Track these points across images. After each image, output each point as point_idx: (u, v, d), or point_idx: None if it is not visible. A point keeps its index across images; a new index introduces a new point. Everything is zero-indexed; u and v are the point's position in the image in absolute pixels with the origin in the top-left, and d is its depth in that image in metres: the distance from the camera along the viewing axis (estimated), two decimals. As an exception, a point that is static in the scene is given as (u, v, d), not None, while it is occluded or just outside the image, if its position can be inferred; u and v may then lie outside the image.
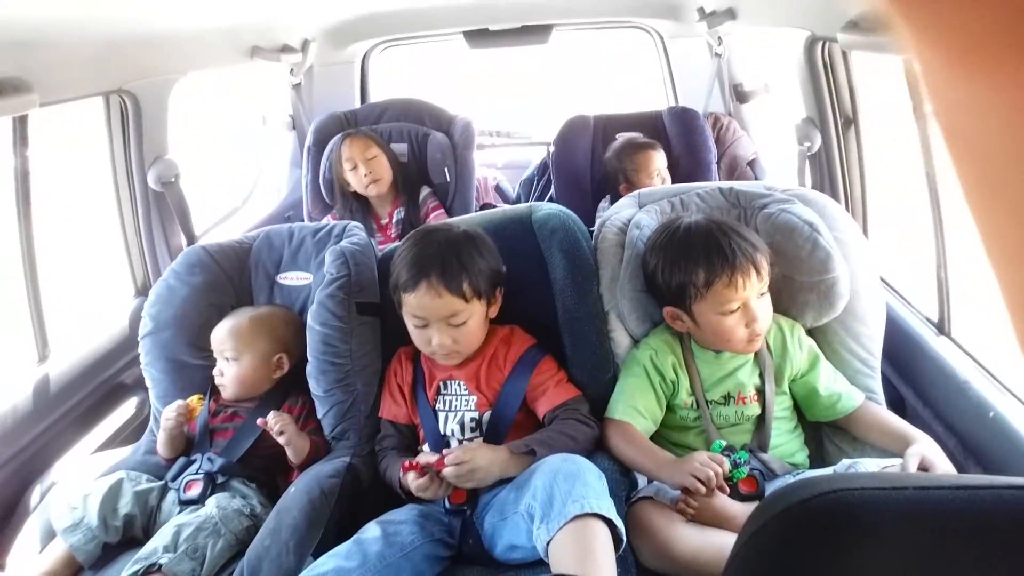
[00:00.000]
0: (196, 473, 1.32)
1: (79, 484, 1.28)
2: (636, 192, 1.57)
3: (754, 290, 1.23)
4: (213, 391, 1.45)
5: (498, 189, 2.75)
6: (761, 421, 1.30)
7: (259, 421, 1.31)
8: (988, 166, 0.17)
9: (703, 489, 1.10)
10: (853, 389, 1.33)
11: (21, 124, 1.56)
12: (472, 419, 1.31)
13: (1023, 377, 1.28)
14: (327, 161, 2.37)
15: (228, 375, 1.40)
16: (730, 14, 2.22)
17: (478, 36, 2.84)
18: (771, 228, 1.37)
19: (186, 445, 1.41)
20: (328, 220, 2.25)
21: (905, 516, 0.50)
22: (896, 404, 1.48)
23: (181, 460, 1.37)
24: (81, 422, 1.59)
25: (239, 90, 3.05)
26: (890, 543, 0.49)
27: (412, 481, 1.18)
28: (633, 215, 1.47)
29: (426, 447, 1.32)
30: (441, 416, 1.33)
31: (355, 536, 1.13)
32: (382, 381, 1.41)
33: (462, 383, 1.33)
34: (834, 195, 1.90)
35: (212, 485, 1.30)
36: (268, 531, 1.15)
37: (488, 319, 1.33)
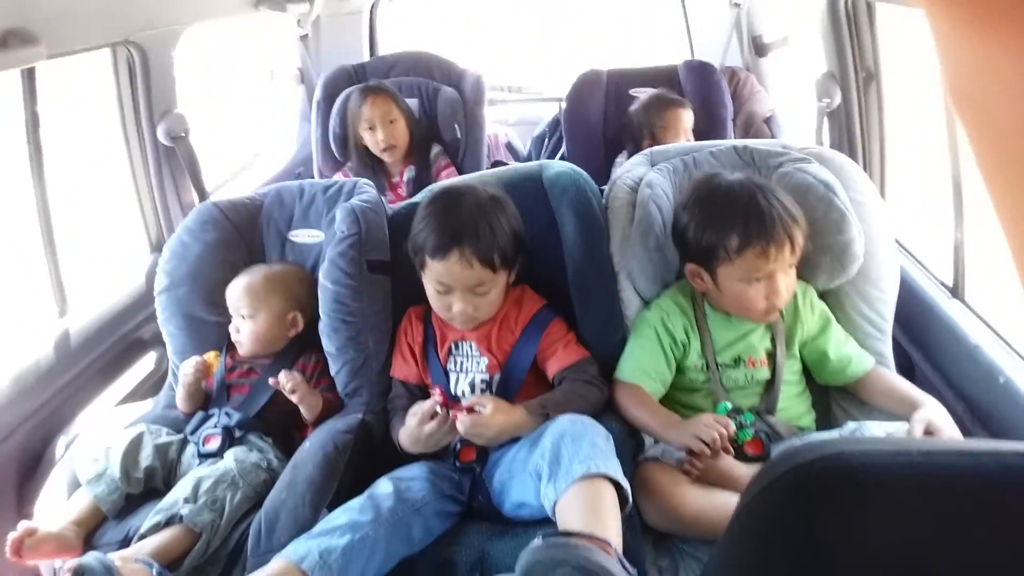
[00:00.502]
0: (214, 427, 1.35)
1: (101, 437, 1.32)
2: (648, 150, 1.55)
3: (784, 263, 1.21)
4: (229, 347, 1.47)
5: (509, 147, 2.71)
6: (770, 384, 1.31)
7: (271, 381, 1.33)
8: (997, 130, 0.17)
9: (708, 451, 1.11)
10: (864, 353, 1.33)
11: (29, 77, 1.55)
12: (483, 380, 1.32)
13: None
14: (337, 116, 2.33)
15: (244, 332, 1.42)
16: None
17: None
18: (786, 188, 1.34)
19: (204, 400, 1.44)
20: (339, 177, 2.26)
21: (908, 480, 0.50)
22: (906, 368, 1.48)
23: (200, 414, 1.40)
24: (102, 376, 1.62)
25: (246, 43, 3.00)
26: (893, 507, 0.49)
27: (417, 427, 1.18)
28: (645, 174, 1.45)
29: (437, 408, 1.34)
30: (452, 376, 1.34)
31: (368, 491, 1.16)
32: (393, 340, 1.42)
33: (474, 344, 1.34)
34: (852, 154, 1.87)
35: (230, 439, 1.33)
36: (284, 484, 1.19)
37: (507, 285, 1.33)
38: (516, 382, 1.30)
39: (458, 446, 1.23)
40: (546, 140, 2.66)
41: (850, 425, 1.25)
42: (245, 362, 1.45)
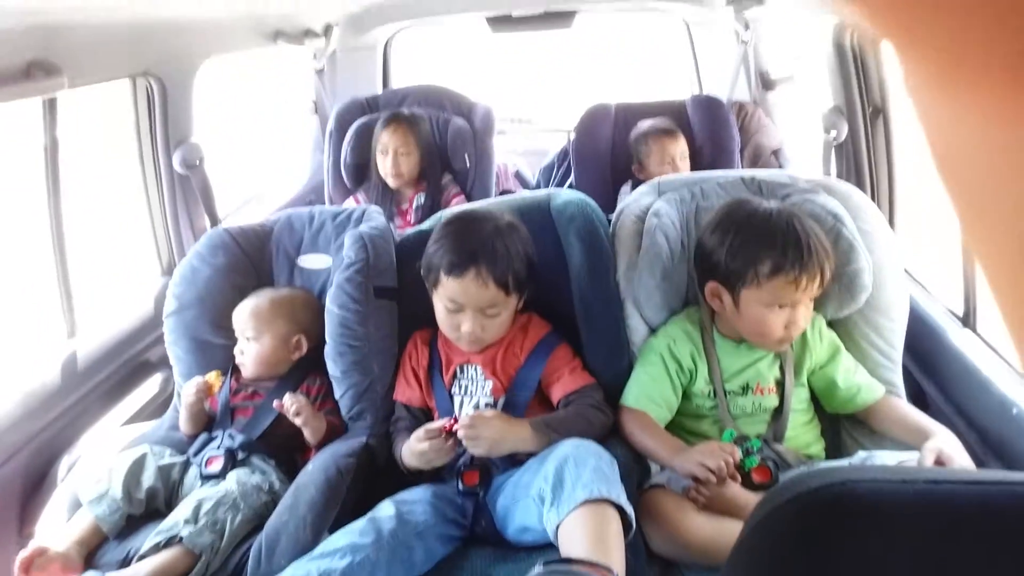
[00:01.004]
0: (217, 449, 1.35)
1: (105, 457, 1.31)
2: (656, 180, 1.56)
3: (810, 295, 1.21)
4: (235, 370, 1.47)
5: (518, 176, 2.74)
6: (778, 412, 1.29)
7: (275, 404, 1.33)
8: (977, 189, 0.17)
9: (713, 478, 1.10)
10: (873, 382, 1.31)
11: (50, 106, 1.60)
12: (487, 404, 1.32)
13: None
14: (350, 145, 2.39)
15: (248, 355, 1.43)
16: (757, -1, 2.18)
17: (500, 21, 2.83)
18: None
19: (208, 422, 1.44)
20: (350, 203, 2.29)
21: (914, 509, 0.50)
22: (917, 398, 1.46)
23: (203, 436, 1.40)
24: (107, 398, 1.63)
25: (263, 75, 3.08)
26: (898, 536, 0.48)
27: (417, 443, 1.18)
28: (652, 203, 1.46)
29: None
30: (456, 400, 1.34)
31: (370, 514, 1.15)
32: (398, 364, 1.42)
33: (479, 368, 1.34)
34: (860, 185, 1.87)
35: (233, 461, 1.32)
36: (286, 507, 1.18)
37: (516, 312, 1.33)
38: (521, 406, 1.30)
39: (461, 469, 1.22)
40: (555, 170, 2.69)
41: (860, 454, 1.23)
42: (249, 384, 1.46)
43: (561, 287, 1.40)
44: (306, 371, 1.46)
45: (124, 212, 2.30)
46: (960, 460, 1.14)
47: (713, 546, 1.06)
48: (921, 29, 0.15)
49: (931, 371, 1.53)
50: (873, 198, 1.87)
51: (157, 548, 1.12)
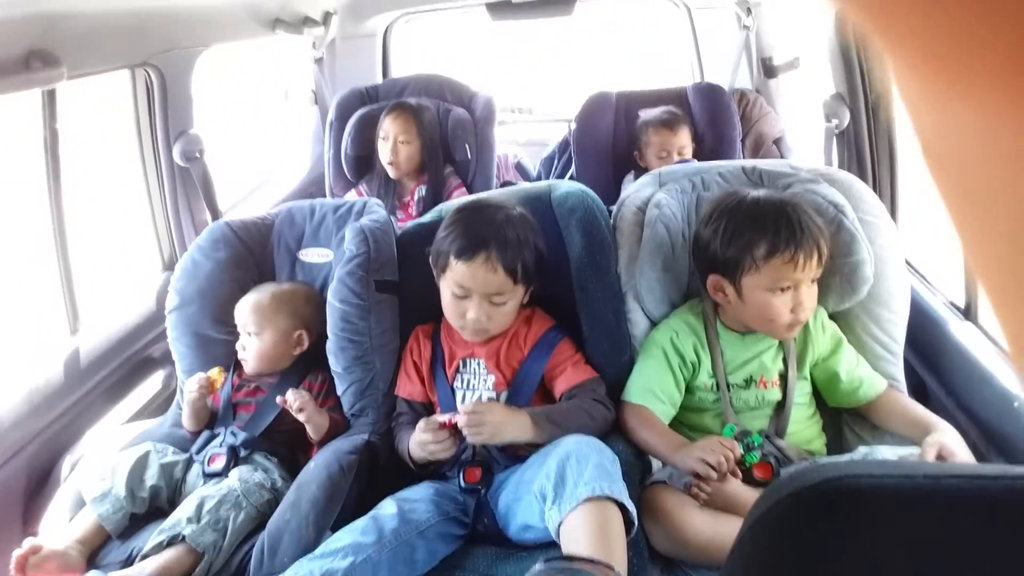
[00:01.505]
0: (220, 447, 1.35)
1: (107, 456, 1.32)
2: (656, 171, 1.55)
3: (810, 274, 1.20)
4: (237, 366, 1.48)
5: (519, 167, 2.73)
6: (780, 406, 1.29)
7: (278, 399, 1.33)
8: (972, 194, 0.16)
9: (714, 474, 1.10)
10: (875, 375, 1.31)
11: (50, 97, 1.59)
12: (490, 398, 1.32)
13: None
14: (351, 136, 2.37)
15: (250, 350, 1.43)
16: (760, -15, 2.15)
17: (500, 8, 2.79)
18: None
19: (211, 418, 1.45)
20: (352, 195, 2.29)
21: (914, 504, 0.50)
22: (918, 391, 1.46)
23: (205, 433, 1.40)
24: (110, 395, 1.63)
25: (262, 64, 3.05)
26: (898, 530, 0.48)
27: (420, 431, 1.19)
28: (653, 194, 1.45)
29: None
30: (459, 394, 1.34)
31: (372, 512, 1.15)
32: (400, 359, 1.42)
33: (482, 361, 1.34)
34: (861, 175, 1.86)
35: (235, 458, 1.33)
36: (288, 505, 1.18)
37: (521, 305, 1.33)
38: (523, 401, 1.30)
39: (463, 465, 1.22)
40: (556, 160, 2.67)
41: (862, 450, 1.23)
42: (252, 380, 1.46)
43: (562, 280, 1.39)
44: (308, 367, 1.46)
45: (125, 206, 2.30)
46: (961, 455, 1.14)
47: (715, 543, 1.06)
48: (913, 33, 0.14)
49: (932, 364, 1.53)
50: (875, 188, 1.85)
51: (160, 547, 1.13)
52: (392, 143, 2.23)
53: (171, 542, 1.13)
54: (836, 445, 1.34)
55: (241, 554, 1.17)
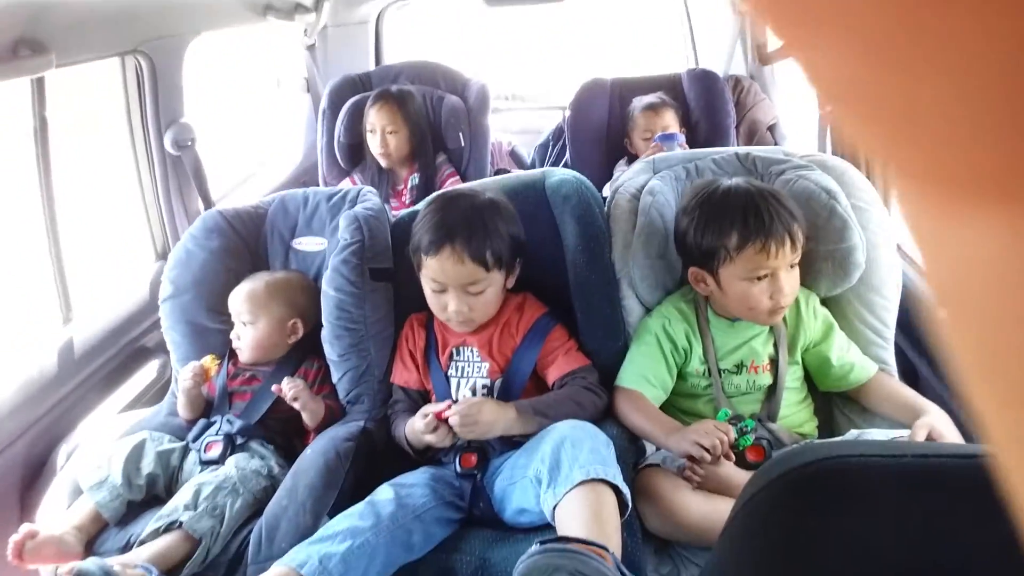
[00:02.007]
0: (216, 434, 1.35)
1: (104, 444, 1.32)
2: (651, 158, 1.55)
3: (785, 260, 1.21)
4: (232, 354, 1.48)
5: (513, 154, 2.72)
6: (772, 391, 1.30)
7: (274, 388, 1.33)
8: (989, 337, 0.14)
9: (708, 457, 1.11)
10: (866, 360, 1.32)
11: (39, 86, 1.57)
12: (484, 385, 1.33)
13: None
14: (343, 124, 2.36)
15: (244, 339, 1.43)
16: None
17: (494, -6, 2.77)
18: (788, 195, 1.34)
19: (206, 407, 1.45)
20: (346, 184, 2.28)
21: (903, 483, 0.50)
22: (910, 376, 1.47)
23: (202, 422, 1.40)
24: (105, 384, 1.63)
25: (254, 53, 3.03)
26: (888, 509, 0.49)
27: (419, 420, 1.20)
28: (647, 181, 1.45)
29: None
30: (453, 382, 1.34)
31: (368, 497, 1.16)
32: (395, 347, 1.43)
33: (475, 349, 1.34)
34: (854, 161, 1.86)
35: (231, 446, 1.33)
36: (285, 491, 1.19)
37: (505, 289, 1.33)
38: (518, 387, 1.30)
39: (459, 452, 1.23)
40: (550, 148, 2.67)
41: (853, 433, 1.25)
42: (247, 369, 1.46)
43: (556, 267, 1.40)
44: (303, 355, 1.46)
45: (117, 195, 2.28)
46: (951, 436, 1.15)
47: (708, 524, 1.07)
48: (905, 146, 0.13)
49: (923, 348, 1.54)
50: (868, 175, 1.86)
51: (157, 533, 1.14)
52: (380, 135, 2.22)
53: (168, 528, 1.14)
54: (828, 429, 1.35)
55: (238, 540, 1.18)
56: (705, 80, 2.42)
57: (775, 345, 1.31)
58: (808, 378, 1.36)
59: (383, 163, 2.27)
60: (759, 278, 1.21)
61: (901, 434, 1.17)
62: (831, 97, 0.13)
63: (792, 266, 1.24)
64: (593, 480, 1.02)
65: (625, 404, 1.29)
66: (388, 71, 2.57)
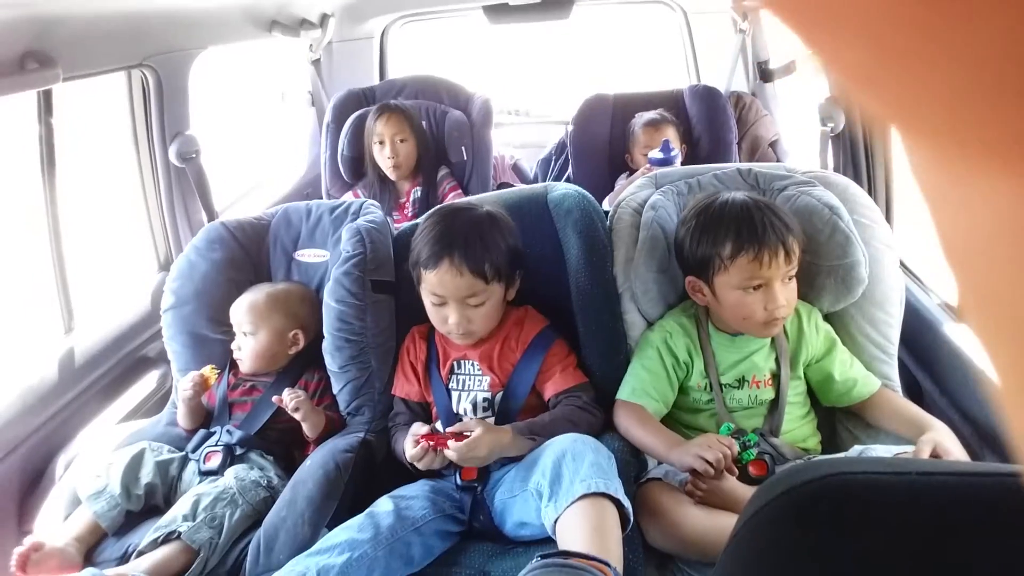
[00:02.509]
0: (215, 445, 1.35)
1: (103, 454, 1.32)
2: (653, 173, 1.56)
3: (779, 272, 1.21)
4: (232, 365, 1.48)
5: (515, 168, 2.73)
6: (774, 405, 1.30)
7: (274, 398, 1.33)
8: (993, 288, 0.14)
9: (711, 471, 1.10)
10: (869, 375, 1.32)
11: (46, 98, 1.59)
12: (485, 399, 1.32)
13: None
14: (347, 137, 2.38)
15: (245, 349, 1.43)
16: (755, -11, 2.17)
17: (498, 11, 2.80)
18: (790, 211, 1.35)
19: (206, 417, 1.45)
20: (349, 196, 2.29)
21: (907, 501, 0.50)
22: (913, 391, 1.46)
23: (201, 432, 1.40)
24: (105, 394, 1.63)
25: (259, 66, 3.06)
26: (891, 527, 0.49)
27: (410, 448, 1.19)
28: (649, 196, 1.45)
29: (439, 425, 1.34)
30: (454, 395, 1.34)
31: (368, 509, 1.15)
32: (396, 359, 1.43)
33: (476, 363, 1.34)
34: (856, 177, 1.87)
35: (231, 457, 1.33)
36: (284, 502, 1.18)
37: (505, 301, 1.33)
38: (518, 401, 1.30)
39: (459, 465, 1.22)
40: (552, 162, 2.68)
41: (856, 448, 1.24)
42: (247, 380, 1.46)
43: (558, 281, 1.40)
44: (304, 366, 1.46)
45: (121, 206, 2.29)
46: (956, 453, 1.14)
47: (710, 540, 1.06)
48: (919, 109, 0.13)
49: (927, 365, 1.54)
50: (869, 191, 1.86)
51: (155, 544, 1.13)
52: (391, 144, 2.23)
53: (167, 539, 1.13)
54: (831, 444, 1.34)
55: (237, 551, 1.17)
56: (707, 96, 2.44)
57: (776, 360, 1.31)
58: (811, 393, 1.35)
59: (392, 175, 2.28)
60: (754, 288, 1.22)
61: (905, 450, 1.17)
62: (851, 80, 0.14)
63: (789, 279, 1.24)
64: (595, 494, 1.01)
65: (627, 418, 1.28)
66: (392, 85, 2.59)
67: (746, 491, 1.13)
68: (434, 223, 1.30)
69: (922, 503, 0.50)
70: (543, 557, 0.93)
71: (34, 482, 1.39)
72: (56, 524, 1.23)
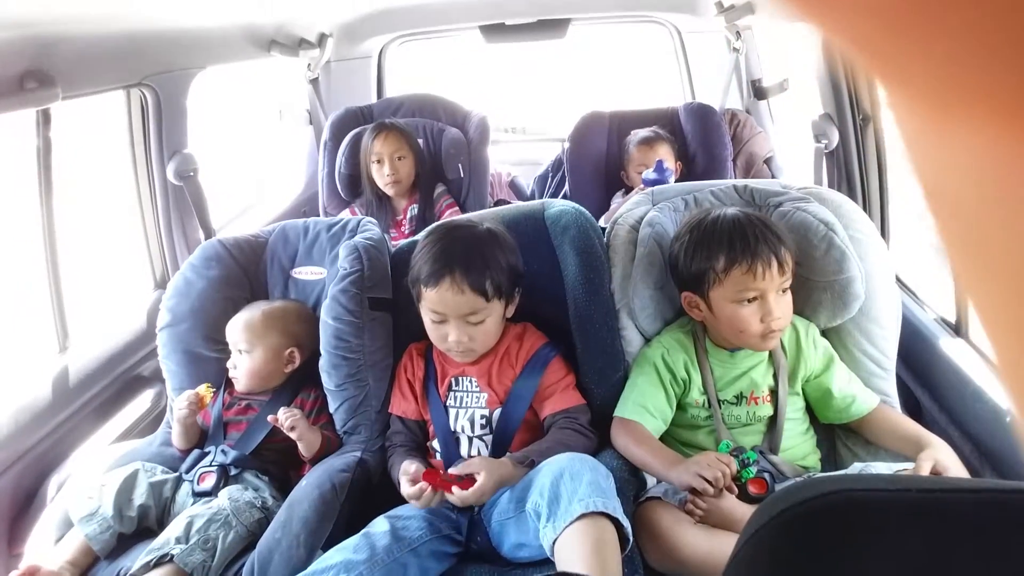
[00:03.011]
0: (210, 465, 1.34)
1: (96, 475, 1.30)
2: (650, 189, 1.57)
3: (773, 283, 1.22)
4: (228, 384, 1.47)
5: (512, 185, 2.74)
6: (773, 422, 1.29)
7: (270, 418, 1.32)
8: (972, 233, 0.16)
9: (711, 489, 1.09)
10: (867, 391, 1.31)
11: (44, 117, 1.59)
12: (483, 416, 1.31)
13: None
14: (344, 155, 2.39)
15: (241, 368, 1.42)
16: (748, 8, 2.19)
17: (495, 30, 2.83)
18: (786, 227, 1.35)
19: (201, 437, 1.43)
20: (346, 214, 2.29)
21: (909, 518, 0.50)
22: (911, 407, 1.46)
23: (195, 452, 1.39)
24: (99, 413, 1.62)
25: (257, 84, 3.07)
26: (893, 545, 0.48)
27: (406, 487, 1.16)
28: (646, 212, 1.46)
29: (436, 443, 1.33)
30: (452, 412, 1.33)
31: (364, 530, 1.14)
32: (394, 377, 1.42)
33: (474, 380, 1.33)
34: (851, 193, 1.88)
35: (225, 477, 1.31)
36: (279, 524, 1.17)
37: (505, 318, 1.33)
38: (516, 418, 1.29)
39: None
40: (549, 179, 2.70)
41: (856, 466, 1.23)
42: (243, 398, 1.45)
43: (556, 298, 1.40)
44: (300, 384, 1.45)
45: (117, 224, 2.29)
46: (955, 470, 1.14)
47: (711, 560, 1.05)
48: (907, 64, 0.14)
49: (924, 380, 1.54)
50: (864, 207, 1.87)
51: (148, 567, 1.11)
52: (390, 161, 2.24)
53: (159, 562, 1.12)
54: (831, 461, 1.34)
55: (231, 573, 1.15)
56: (701, 113, 2.46)
57: (775, 376, 1.31)
58: (810, 410, 1.35)
59: (391, 191, 2.29)
60: (748, 300, 1.22)
61: (905, 467, 1.16)
62: (849, 44, 0.15)
63: (783, 291, 1.24)
64: (593, 513, 1.00)
65: (625, 435, 1.27)
66: (390, 104, 2.61)
67: (746, 510, 1.12)
68: (434, 240, 1.30)
69: (924, 520, 0.50)
70: (542, 578, 0.92)
71: (26, 504, 1.38)
72: (48, 547, 1.22)
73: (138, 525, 1.25)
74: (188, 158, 2.00)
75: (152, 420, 1.71)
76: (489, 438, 1.29)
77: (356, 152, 2.36)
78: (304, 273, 1.57)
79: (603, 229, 1.51)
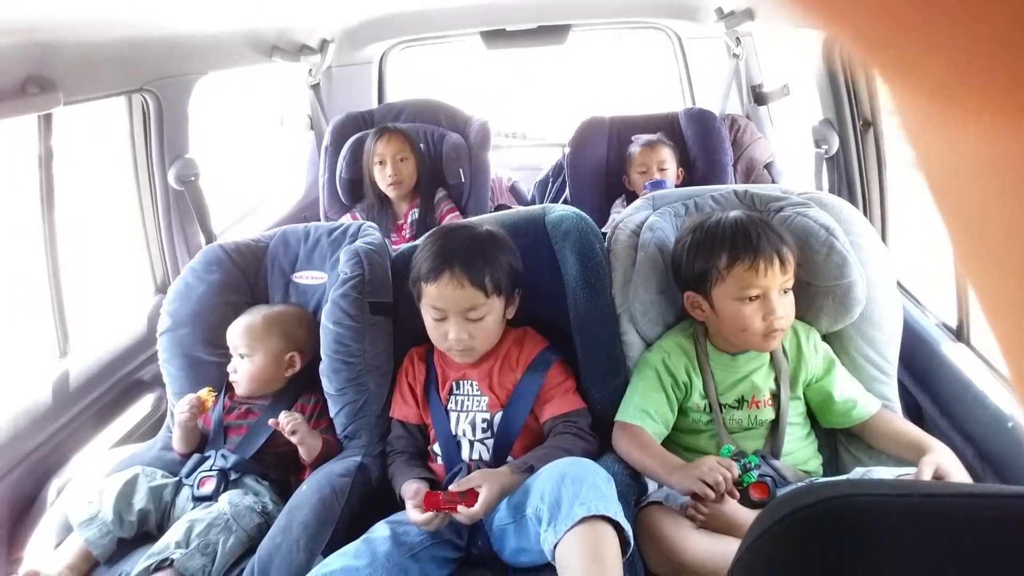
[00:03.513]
0: (210, 470, 1.33)
1: (96, 479, 1.30)
2: (650, 195, 1.57)
3: (776, 281, 1.22)
4: (228, 388, 1.46)
5: (513, 190, 2.75)
6: (775, 426, 1.29)
7: (271, 422, 1.32)
8: (975, 223, 0.16)
9: (712, 494, 1.09)
10: (869, 396, 1.31)
11: (46, 122, 1.59)
12: (484, 420, 1.31)
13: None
14: (345, 160, 2.39)
15: (241, 372, 1.42)
16: (748, 14, 2.20)
17: (495, 36, 2.84)
18: (787, 231, 1.35)
19: (201, 441, 1.43)
20: (347, 219, 2.29)
21: (910, 523, 0.50)
22: (913, 412, 1.46)
23: (196, 456, 1.38)
24: (99, 418, 1.61)
25: (259, 90, 3.08)
26: (895, 550, 0.48)
27: (415, 515, 1.14)
28: (647, 217, 1.46)
29: (436, 447, 1.33)
30: (453, 416, 1.33)
31: (364, 535, 1.14)
32: (394, 381, 1.42)
33: (475, 383, 1.33)
34: (851, 198, 1.88)
35: (225, 482, 1.31)
36: (279, 528, 1.17)
37: (505, 319, 1.33)
38: (517, 422, 1.29)
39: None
40: (550, 184, 2.70)
41: (858, 471, 1.23)
42: (243, 403, 1.45)
43: (556, 302, 1.40)
44: (301, 388, 1.45)
45: (116, 229, 2.30)
46: (957, 474, 1.13)
47: (711, 564, 1.05)
48: (912, 57, 0.14)
49: (926, 385, 1.54)
50: (865, 211, 1.88)
51: (148, 572, 1.11)
52: (392, 163, 2.25)
53: (159, 567, 1.11)
54: (832, 466, 1.33)
55: (231, 579, 1.15)
56: (702, 119, 2.46)
57: (776, 380, 1.30)
58: (811, 415, 1.35)
59: (392, 193, 2.30)
60: (751, 299, 1.22)
61: (907, 472, 1.16)
62: (853, 40, 0.15)
63: (785, 291, 1.25)
64: (594, 517, 1.00)
65: (626, 440, 1.27)
66: (391, 109, 2.62)
67: (748, 515, 1.12)
68: (434, 240, 1.31)
69: (926, 525, 0.49)
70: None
71: (25, 508, 1.37)
72: (47, 551, 1.21)
73: (138, 530, 1.25)
74: (189, 163, 2.00)
75: (152, 424, 1.71)
76: (490, 442, 1.29)
77: (357, 157, 2.37)
78: (305, 277, 1.57)
79: (604, 235, 1.51)
